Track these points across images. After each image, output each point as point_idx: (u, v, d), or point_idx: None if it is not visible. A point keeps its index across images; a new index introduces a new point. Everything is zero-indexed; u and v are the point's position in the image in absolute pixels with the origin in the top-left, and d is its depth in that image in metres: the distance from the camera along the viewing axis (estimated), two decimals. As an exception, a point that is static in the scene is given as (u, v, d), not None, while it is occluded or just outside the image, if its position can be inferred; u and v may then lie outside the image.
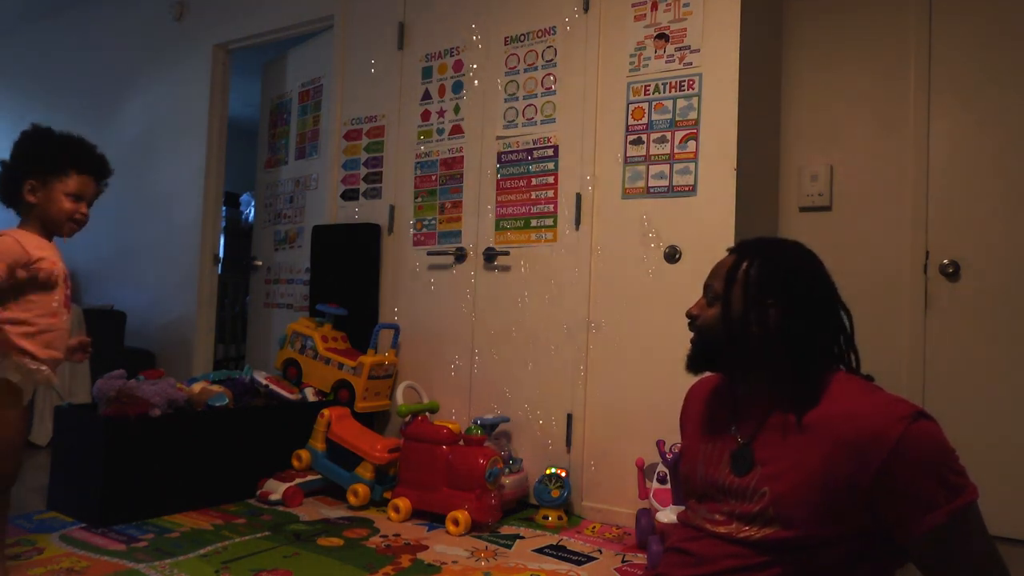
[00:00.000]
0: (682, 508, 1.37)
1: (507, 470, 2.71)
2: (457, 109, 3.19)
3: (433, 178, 3.24)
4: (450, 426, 2.66)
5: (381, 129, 3.43)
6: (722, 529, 1.13)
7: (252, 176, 4.44)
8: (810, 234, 2.92)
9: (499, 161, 3.05)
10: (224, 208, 4.78)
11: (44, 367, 1.79)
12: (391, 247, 3.35)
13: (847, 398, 1.07)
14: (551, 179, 2.90)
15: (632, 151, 2.72)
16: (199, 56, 4.23)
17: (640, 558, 2.27)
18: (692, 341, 1.24)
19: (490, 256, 3.03)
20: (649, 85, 2.70)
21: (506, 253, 2.99)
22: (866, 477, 1.00)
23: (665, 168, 2.64)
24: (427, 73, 3.29)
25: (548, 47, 2.95)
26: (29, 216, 1.82)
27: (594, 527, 2.59)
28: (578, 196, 2.82)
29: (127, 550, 2.15)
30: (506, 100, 3.05)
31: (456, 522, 2.43)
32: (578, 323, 2.78)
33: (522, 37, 3.02)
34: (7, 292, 1.71)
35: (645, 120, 2.70)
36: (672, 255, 2.61)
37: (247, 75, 4.88)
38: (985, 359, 2.63)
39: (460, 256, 3.12)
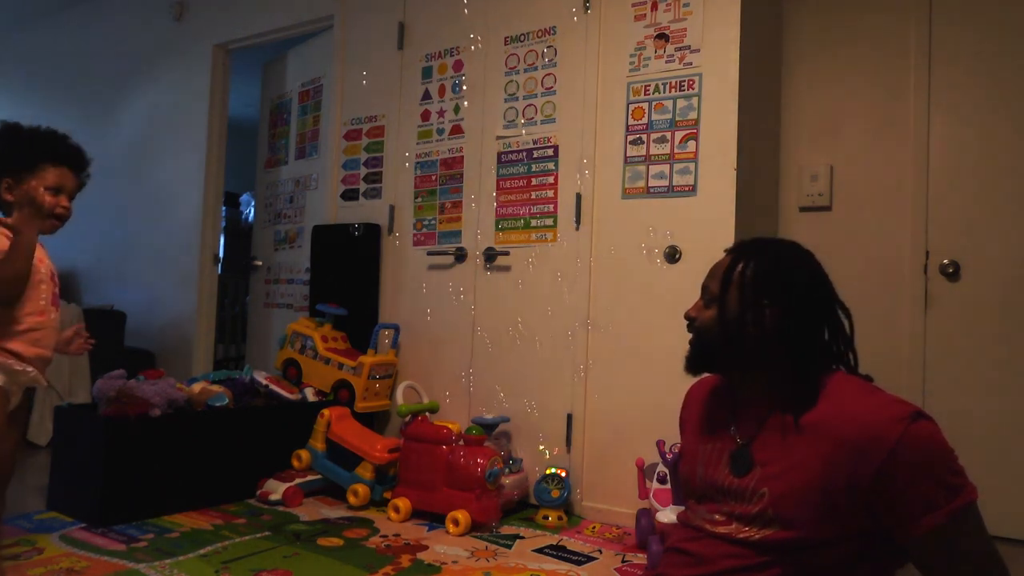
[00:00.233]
0: (682, 508, 1.37)
1: (507, 470, 2.71)
2: (457, 109, 3.19)
3: (433, 178, 3.24)
4: (450, 426, 2.66)
5: (381, 129, 3.43)
6: (722, 529, 1.13)
7: (252, 176, 4.44)
8: (810, 234, 2.92)
9: (499, 161, 3.05)
10: (224, 208, 4.78)
11: (30, 368, 1.75)
12: (391, 247, 3.35)
13: (846, 399, 1.07)
14: (551, 179, 2.90)
15: (632, 151, 2.72)
16: (199, 56, 4.23)
17: (640, 558, 2.27)
18: (690, 342, 1.24)
19: (490, 256, 3.03)
20: (649, 85, 2.70)
21: (506, 253, 2.99)
22: (865, 478, 1.00)
23: (665, 168, 2.64)
24: (427, 73, 3.29)
25: (548, 47, 2.95)
26: (11, 215, 1.78)
27: (594, 527, 2.59)
28: (578, 196, 2.82)
29: (127, 550, 2.15)
30: (506, 100, 3.05)
31: (456, 522, 2.43)
32: (578, 323, 2.78)
33: (522, 37, 3.02)
34: None
35: (645, 120, 2.70)
36: (672, 255, 2.61)
37: (247, 75, 4.88)
38: (985, 359, 2.63)
39: (460, 256, 3.12)
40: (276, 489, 2.69)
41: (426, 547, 2.28)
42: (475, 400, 3.03)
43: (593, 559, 2.25)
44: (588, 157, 2.81)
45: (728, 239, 2.44)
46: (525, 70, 3.01)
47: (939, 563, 1.02)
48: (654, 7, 2.70)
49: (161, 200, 4.38)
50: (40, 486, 2.75)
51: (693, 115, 2.60)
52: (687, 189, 2.59)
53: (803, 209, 2.98)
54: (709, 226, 2.52)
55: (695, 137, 2.59)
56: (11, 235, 1.70)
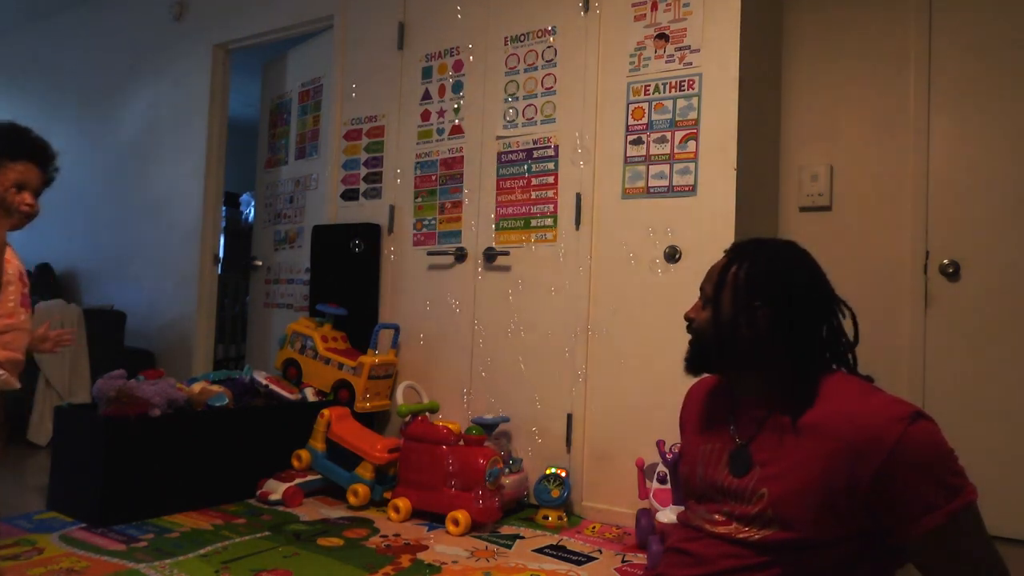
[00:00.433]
0: (682, 508, 1.37)
1: (507, 470, 2.71)
2: (457, 109, 3.19)
3: (433, 178, 3.24)
4: (450, 426, 2.66)
5: (381, 129, 3.43)
6: (721, 529, 1.13)
7: (252, 176, 4.44)
8: (810, 234, 2.92)
9: (499, 161, 3.05)
10: (224, 208, 4.78)
11: (1, 372, 1.72)
12: (391, 247, 3.35)
13: (845, 399, 1.07)
14: (551, 179, 2.90)
15: (632, 151, 2.72)
16: (199, 56, 4.23)
17: (640, 558, 2.27)
18: (689, 343, 1.24)
19: (490, 256, 3.03)
20: (649, 85, 2.70)
21: (506, 253, 2.99)
22: (864, 478, 0.99)
23: (665, 168, 2.64)
24: (427, 73, 3.29)
25: (548, 47, 2.95)
26: None
27: (594, 527, 2.59)
28: (578, 196, 2.82)
29: (127, 550, 2.15)
30: (506, 100, 3.05)
31: (456, 522, 2.43)
32: (578, 323, 2.78)
33: (522, 37, 3.02)
34: None
35: (645, 120, 2.70)
36: (672, 255, 2.61)
37: (247, 75, 4.88)
38: (985, 359, 2.63)
39: (460, 256, 3.12)
40: (276, 489, 2.70)
41: (426, 547, 2.28)
42: (475, 400, 3.03)
43: (593, 559, 2.25)
44: (588, 157, 2.81)
45: (728, 239, 2.44)
46: (525, 70, 3.01)
47: (939, 563, 1.02)
48: (654, 7, 2.70)
49: (161, 200, 4.38)
50: (40, 486, 2.75)
51: (693, 115, 2.60)
52: (687, 189, 2.59)
53: (803, 209, 2.98)
54: (709, 226, 2.52)
55: (695, 137, 2.59)
56: None
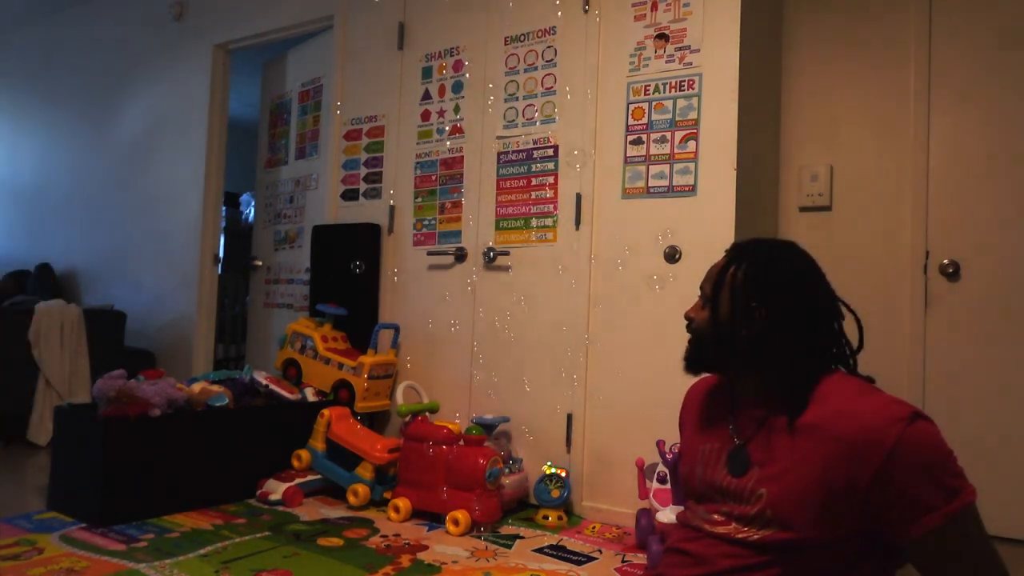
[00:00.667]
0: (682, 508, 1.37)
1: (507, 470, 2.71)
2: (457, 109, 3.19)
3: (433, 178, 3.24)
4: (450, 426, 2.66)
5: (381, 129, 3.43)
6: (720, 529, 1.13)
7: (252, 176, 4.44)
8: (810, 234, 2.92)
9: (499, 161, 3.05)
10: (224, 208, 4.78)
11: None
12: (391, 247, 3.35)
13: (843, 400, 1.07)
14: (551, 179, 2.90)
15: (632, 151, 2.72)
16: (199, 56, 4.23)
17: (640, 558, 2.27)
18: (688, 342, 1.25)
19: (490, 256, 3.03)
20: (649, 85, 2.70)
21: (506, 253, 2.99)
22: (863, 479, 1.00)
23: (665, 168, 2.64)
24: (427, 73, 3.29)
25: (548, 47, 2.95)
26: None
27: (594, 527, 2.59)
28: (578, 196, 2.82)
29: (127, 550, 2.15)
30: (506, 100, 3.05)
31: (456, 522, 2.43)
32: (578, 323, 2.78)
33: (522, 37, 3.02)
34: None
35: (645, 120, 2.70)
36: (672, 255, 2.61)
37: (247, 75, 4.88)
38: (985, 359, 2.63)
39: (460, 256, 3.12)
40: (276, 489, 2.70)
41: (426, 547, 2.28)
42: (475, 400, 3.03)
43: (593, 559, 2.25)
44: (588, 157, 2.81)
45: (728, 239, 2.44)
46: (525, 70, 3.01)
47: (938, 564, 1.02)
48: (654, 7, 2.70)
49: (161, 200, 4.38)
50: (40, 486, 2.75)
51: (693, 115, 2.60)
52: (687, 189, 2.59)
53: (803, 209, 2.98)
54: (709, 226, 2.52)
55: (695, 137, 2.59)
56: None
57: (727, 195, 2.50)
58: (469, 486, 2.49)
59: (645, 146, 2.69)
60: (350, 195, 3.52)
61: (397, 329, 3.25)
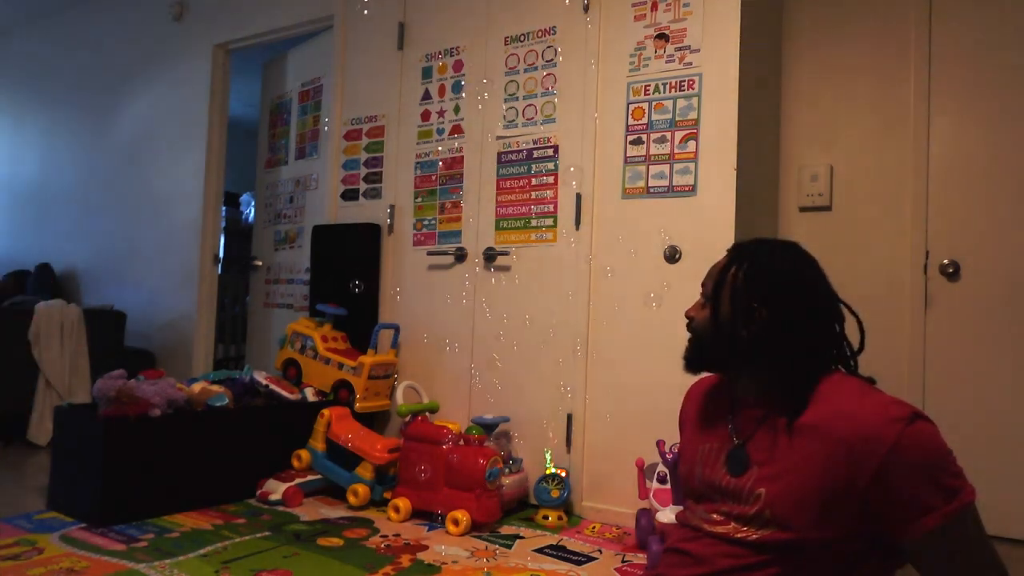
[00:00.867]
0: (681, 508, 1.37)
1: (507, 470, 2.71)
2: (457, 109, 3.19)
3: (433, 178, 3.24)
4: (450, 426, 2.66)
5: (381, 129, 3.43)
6: (719, 529, 1.12)
7: (252, 176, 4.44)
8: (810, 234, 2.92)
9: (499, 161, 3.05)
10: (224, 208, 4.77)
11: None
12: (391, 247, 3.35)
13: (843, 400, 1.07)
14: (551, 179, 2.90)
15: (632, 151, 2.72)
16: (199, 56, 4.23)
17: (640, 558, 2.27)
18: (688, 341, 1.25)
19: (490, 256, 3.03)
20: (649, 85, 2.70)
21: (506, 253, 2.99)
22: (862, 479, 0.99)
23: (665, 168, 2.64)
24: (427, 73, 3.29)
25: (548, 47, 2.95)
26: None
27: (594, 527, 2.59)
28: (578, 196, 2.82)
29: (127, 550, 2.15)
30: (506, 100, 3.05)
31: (456, 522, 2.43)
32: (578, 322, 2.78)
33: (522, 37, 3.02)
34: None
35: (645, 120, 2.70)
36: (672, 255, 2.61)
37: (247, 75, 4.88)
38: (985, 359, 2.63)
39: (460, 256, 3.12)
40: (276, 489, 2.70)
41: (426, 547, 2.28)
42: (475, 400, 3.03)
43: (593, 559, 2.25)
44: (588, 157, 2.81)
45: (728, 239, 2.44)
46: (525, 70, 3.01)
47: (937, 564, 1.02)
48: (654, 7, 2.70)
49: (161, 200, 4.38)
50: (40, 486, 2.75)
51: (693, 115, 2.60)
52: (687, 189, 2.59)
53: (803, 209, 2.98)
54: (709, 226, 2.52)
55: (695, 137, 2.59)
56: None
57: (727, 195, 2.50)
58: (469, 486, 2.49)
59: (645, 146, 2.69)
60: (350, 195, 3.52)
61: (397, 329, 3.25)
